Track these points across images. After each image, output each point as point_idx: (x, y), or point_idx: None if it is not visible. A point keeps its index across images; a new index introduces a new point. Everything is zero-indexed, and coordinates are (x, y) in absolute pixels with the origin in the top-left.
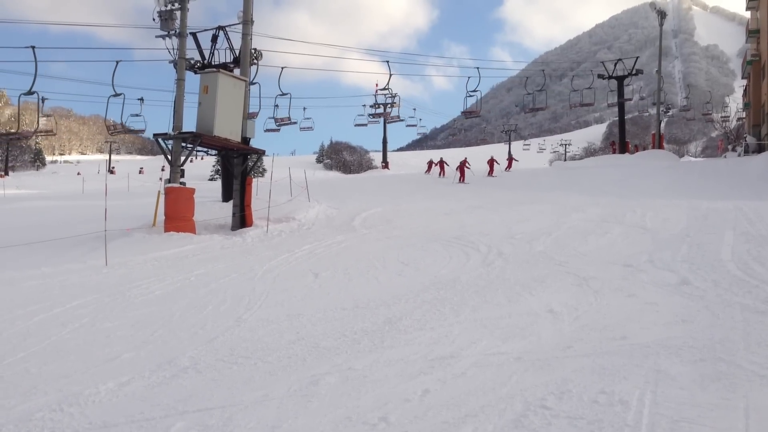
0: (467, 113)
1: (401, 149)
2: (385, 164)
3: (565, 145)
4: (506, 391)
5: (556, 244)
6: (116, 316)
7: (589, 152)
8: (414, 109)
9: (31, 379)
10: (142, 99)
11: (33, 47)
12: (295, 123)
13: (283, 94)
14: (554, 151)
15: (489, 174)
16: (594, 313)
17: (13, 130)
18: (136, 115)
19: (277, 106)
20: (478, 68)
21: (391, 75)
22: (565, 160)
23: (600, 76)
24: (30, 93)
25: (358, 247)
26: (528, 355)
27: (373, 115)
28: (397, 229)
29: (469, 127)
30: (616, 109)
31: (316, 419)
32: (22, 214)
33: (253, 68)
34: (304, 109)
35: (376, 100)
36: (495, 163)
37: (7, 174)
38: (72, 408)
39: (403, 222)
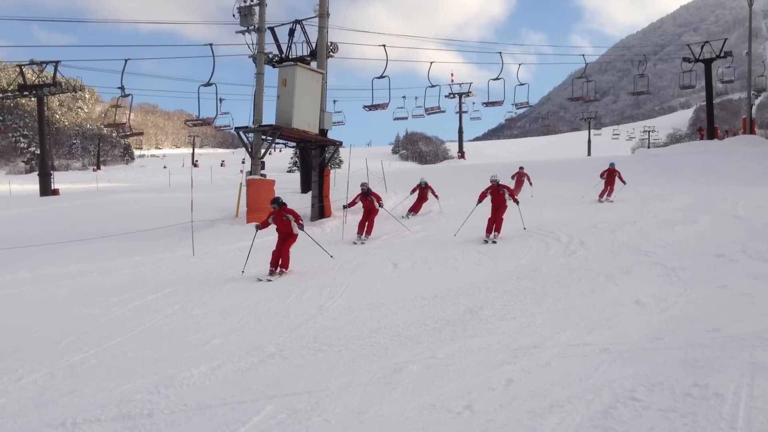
0: (573, 99)
1: (477, 139)
2: (461, 154)
3: (649, 131)
4: (593, 382)
5: (640, 233)
6: (205, 303)
7: (675, 139)
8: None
9: (129, 363)
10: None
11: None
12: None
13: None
14: (630, 138)
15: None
16: (684, 305)
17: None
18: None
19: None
20: (500, 53)
21: (388, 60)
22: (648, 147)
23: (685, 60)
24: (208, 84)
25: (436, 237)
26: (615, 346)
27: (428, 110)
28: (477, 217)
29: (547, 115)
30: (703, 93)
31: (400, 406)
32: (114, 206)
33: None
34: (404, 98)
35: (451, 90)
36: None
37: (99, 168)
38: (168, 390)
39: (481, 211)
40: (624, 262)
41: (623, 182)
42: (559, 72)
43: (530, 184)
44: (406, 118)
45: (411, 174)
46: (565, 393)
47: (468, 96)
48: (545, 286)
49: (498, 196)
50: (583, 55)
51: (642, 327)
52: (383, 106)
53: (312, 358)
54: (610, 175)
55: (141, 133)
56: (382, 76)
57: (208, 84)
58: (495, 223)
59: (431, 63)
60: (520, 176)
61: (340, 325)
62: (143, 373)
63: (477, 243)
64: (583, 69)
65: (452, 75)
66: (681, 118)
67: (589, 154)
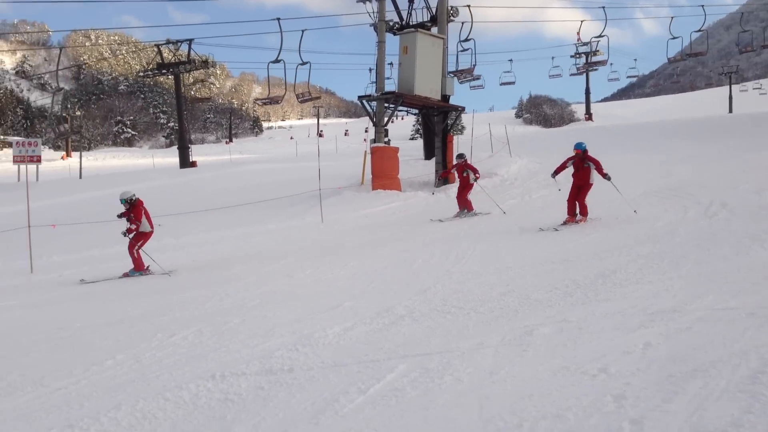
0: (692, 54)
1: (606, 99)
2: (589, 116)
3: None
4: (739, 346)
5: None
6: (335, 267)
7: None
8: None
9: (268, 323)
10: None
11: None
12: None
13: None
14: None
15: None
16: None
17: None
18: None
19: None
20: (603, 7)
21: (473, 22)
22: None
23: None
24: (277, 61)
25: (563, 201)
26: (763, 310)
27: (586, 64)
28: (604, 181)
29: (682, 72)
30: None
31: (532, 367)
32: (247, 176)
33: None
34: (510, 61)
35: (577, 50)
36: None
37: (231, 141)
38: (306, 348)
39: (612, 174)
40: None
41: (603, 175)
42: (695, 24)
43: (475, 178)
44: (513, 83)
45: (536, 138)
46: (708, 357)
47: (596, 55)
48: (684, 249)
49: None
50: (703, 6)
51: None
52: (470, 72)
53: (441, 320)
54: (580, 167)
55: (318, 98)
56: (466, 39)
57: (277, 61)
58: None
59: (582, 22)
60: (460, 170)
61: (468, 288)
62: (281, 333)
63: (609, 207)
64: (703, 22)
65: (578, 34)
66: None
67: (730, 111)
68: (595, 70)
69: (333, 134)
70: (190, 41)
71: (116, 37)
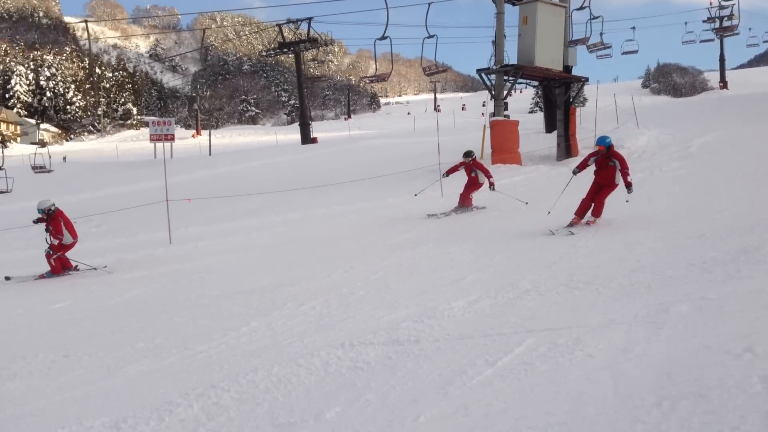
0: None
1: (742, 66)
2: (723, 84)
3: None
4: None
5: None
6: (457, 241)
7: None
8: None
9: (392, 295)
10: None
11: None
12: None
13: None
14: None
15: None
16: None
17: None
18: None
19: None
20: None
21: None
22: None
23: None
24: (383, 38)
25: (697, 174)
26: None
27: (716, 29)
28: (743, 153)
29: None
30: None
31: (669, 345)
32: (366, 152)
33: None
34: (633, 29)
35: (710, 14)
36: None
37: (349, 117)
38: (431, 320)
39: (750, 145)
40: None
41: (627, 184)
42: None
43: (490, 184)
44: (636, 52)
45: (666, 109)
46: None
47: (731, 19)
48: None
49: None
50: None
51: None
52: (584, 41)
53: (569, 295)
54: (604, 165)
55: (445, 71)
56: (581, 8)
57: (383, 38)
58: None
59: None
60: (468, 168)
61: (596, 263)
62: (406, 305)
63: (747, 179)
64: None
65: None
66: None
67: None
68: (737, 33)
69: (450, 109)
70: (309, 20)
71: (239, 19)
